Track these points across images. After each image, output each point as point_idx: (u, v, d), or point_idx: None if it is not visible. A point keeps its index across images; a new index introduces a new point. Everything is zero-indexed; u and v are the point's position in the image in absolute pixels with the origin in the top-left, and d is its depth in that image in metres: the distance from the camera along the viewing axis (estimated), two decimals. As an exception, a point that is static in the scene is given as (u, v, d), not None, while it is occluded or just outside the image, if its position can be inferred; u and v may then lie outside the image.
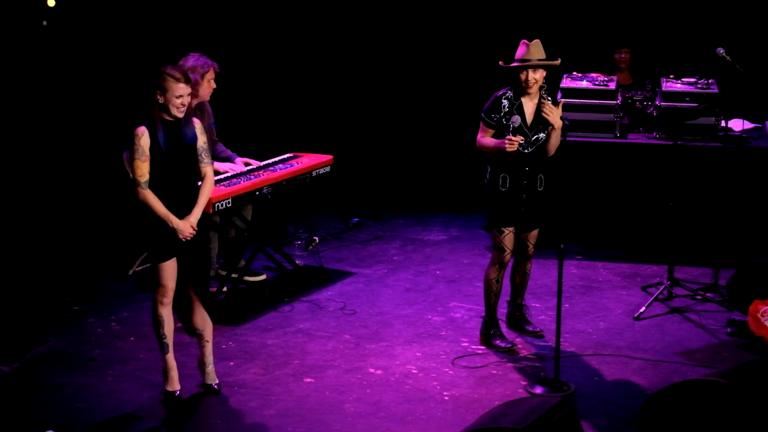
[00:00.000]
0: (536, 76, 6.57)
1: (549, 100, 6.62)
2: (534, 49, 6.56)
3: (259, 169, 7.74)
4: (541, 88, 6.63)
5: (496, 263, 6.80)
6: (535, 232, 6.86)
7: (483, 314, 7.00)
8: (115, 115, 8.56)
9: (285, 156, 8.13)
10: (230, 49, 9.42)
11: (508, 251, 6.77)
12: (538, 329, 7.09)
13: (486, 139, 6.68)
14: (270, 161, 7.95)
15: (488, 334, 6.94)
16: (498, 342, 6.90)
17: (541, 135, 6.67)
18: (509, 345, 6.87)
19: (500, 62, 6.66)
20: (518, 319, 7.12)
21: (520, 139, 6.56)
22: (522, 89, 6.61)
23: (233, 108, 9.03)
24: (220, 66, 7.64)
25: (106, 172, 8.48)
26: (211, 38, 9.40)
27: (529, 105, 6.65)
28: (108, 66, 8.82)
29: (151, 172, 5.89)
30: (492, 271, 6.83)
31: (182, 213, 5.98)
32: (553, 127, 6.59)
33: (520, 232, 6.81)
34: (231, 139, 8.12)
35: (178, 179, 5.98)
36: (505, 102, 6.64)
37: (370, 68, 10.05)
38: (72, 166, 8.73)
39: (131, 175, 5.99)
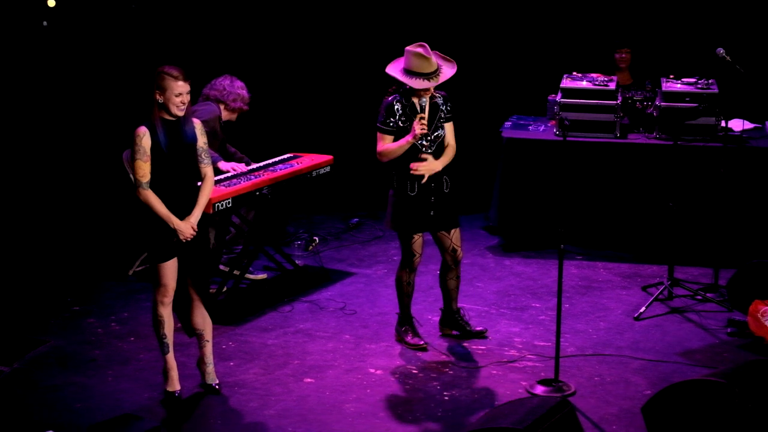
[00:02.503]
0: (432, 85, 6.50)
1: (439, 98, 6.63)
2: (427, 62, 6.43)
3: (259, 169, 7.74)
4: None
5: (407, 267, 6.78)
6: (457, 233, 6.79)
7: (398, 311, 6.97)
8: (116, 115, 8.56)
9: (285, 156, 8.13)
10: (230, 49, 9.43)
11: (417, 255, 6.75)
12: (481, 328, 7.04)
13: (388, 144, 6.59)
14: (270, 161, 7.95)
15: (400, 330, 6.94)
16: (409, 338, 6.88)
17: (440, 132, 6.65)
18: (420, 342, 6.85)
19: (392, 72, 6.51)
20: (459, 323, 7.02)
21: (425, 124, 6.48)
22: (414, 92, 6.56)
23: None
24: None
25: (106, 173, 8.49)
26: (211, 38, 9.42)
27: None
28: (108, 66, 8.82)
29: (152, 172, 5.88)
30: (403, 274, 6.81)
31: (182, 213, 5.98)
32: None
33: (438, 234, 6.75)
34: (231, 139, 8.12)
35: (178, 179, 5.97)
36: (398, 106, 6.57)
37: (370, 69, 10.03)
38: (72, 167, 8.74)
39: (132, 175, 5.98)
